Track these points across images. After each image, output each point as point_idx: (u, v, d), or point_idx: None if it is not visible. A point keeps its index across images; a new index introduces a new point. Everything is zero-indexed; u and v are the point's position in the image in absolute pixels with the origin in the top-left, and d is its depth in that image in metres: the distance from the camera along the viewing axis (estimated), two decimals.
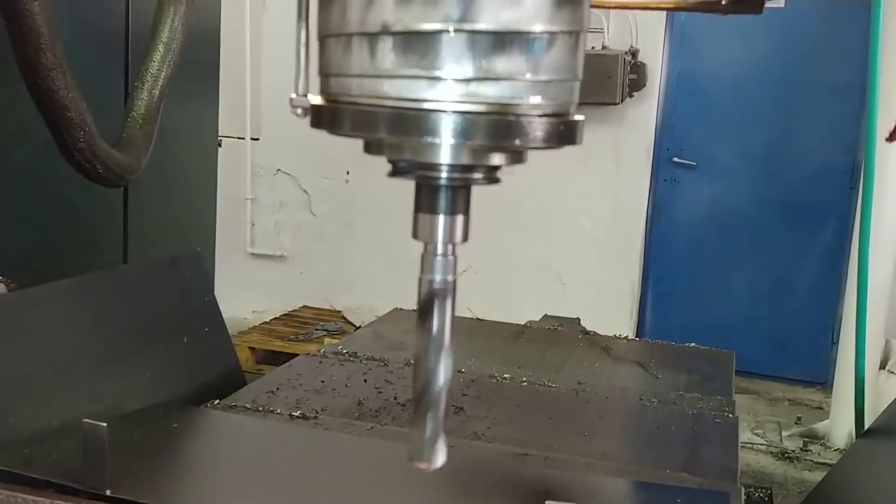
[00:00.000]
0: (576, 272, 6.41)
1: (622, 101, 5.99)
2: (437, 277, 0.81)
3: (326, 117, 0.76)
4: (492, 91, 0.73)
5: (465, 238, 0.82)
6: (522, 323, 3.61)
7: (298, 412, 2.26)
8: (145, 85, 2.76)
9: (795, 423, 5.46)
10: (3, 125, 2.87)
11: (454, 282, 0.82)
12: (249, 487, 1.71)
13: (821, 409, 5.70)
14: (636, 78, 6.05)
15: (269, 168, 6.93)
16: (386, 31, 0.71)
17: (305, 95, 0.80)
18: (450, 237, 0.82)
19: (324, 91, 0.77)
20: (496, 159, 0.78)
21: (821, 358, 6.12)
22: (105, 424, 1.50)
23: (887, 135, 2.27)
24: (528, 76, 0.74)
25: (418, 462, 0.83)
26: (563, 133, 0.78)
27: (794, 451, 4.98)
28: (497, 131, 0.74)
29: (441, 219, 0.81)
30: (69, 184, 2.71)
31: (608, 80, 5.87)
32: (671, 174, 6.40)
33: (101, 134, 2.56)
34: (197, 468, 1.88)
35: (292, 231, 7.06)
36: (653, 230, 6.47)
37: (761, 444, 5.07)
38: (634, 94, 6.11)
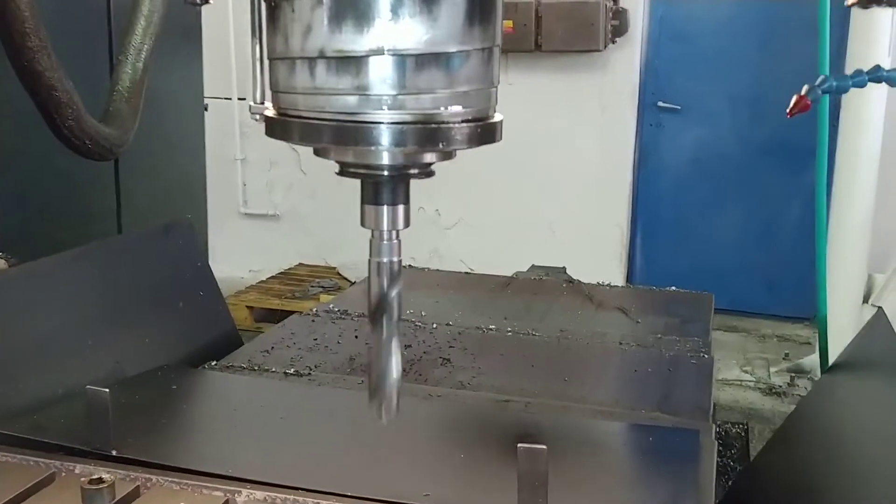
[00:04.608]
0: (565, 220, 6.51)
1: (605, 47, 6.04)
2: (384, 259, 0.94)
3: (278, 128, 0.89)
4: (417, 104, 0.84)
5: (407, 224, 0.93)
6: (512, 273, 3.71)
7: (293, 370, 2.37)
8: (129, 58, 2.82)
9: (783, 358, 5.60)
10: None
11: (399, 262, 0.95)
12: (247, 443, 1.82)
13: (808, 344, 5.82)
14: (618, 24, 6.09)
15: (258, 127, 6.92)
16: (322, 55, 0.82)
17: (262, 103, 0.91)
18: (393, 224, 0.93)
19: (275, 104, 0.88)
20: (427, 158, 0.89)
21: (808, 294, 6.21)
22: (107, 390, 1.60)
23: (787, 111, 2.33)
24: (447, 89, 0.85)
25: (377, 414, 0.98)
26: (483, 134, 0.90)
27: (780, 386, 5.12)
28: (424, 138, 0.86)
29: (385, 209, 0.94)
30: (61, 158, 2.79)
31: (590, 27, 5.92)
32: (656, 118, 6.46)
33: (88, 109, 2.63)
34: (197, 427, 1.99)
35: (284, 190, 7.13)
36: (640, 175, 6.56)
37: (749, 381, 5.21)
38: (617, 39, 6.16)
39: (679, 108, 6.39)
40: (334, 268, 6.99)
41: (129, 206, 3.58)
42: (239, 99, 6.86)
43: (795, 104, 2.32)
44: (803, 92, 2.32)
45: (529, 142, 6.42)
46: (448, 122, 0.87)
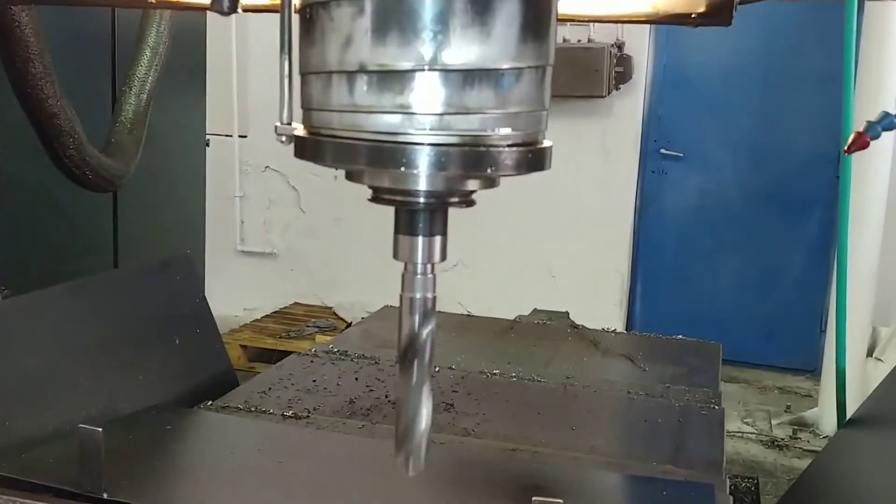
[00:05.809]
0: (566, 265, 6.45)
1: (609, 93, 6.02)
2: (418, 295, 0.86)
3: (309, 148, 0.81)
4: (464, 124, 0.77)
5: (444, 258, 0.86)
6: (513, 317, 3.64)
7: (290, 412, 2.29)
8: (133, 89, 2.79)
9: (785, 411, 5.51)
10: None
11: (434, 298, 0.87)
12: (243, 488, 1.74)
13: (810, 396, 5.75)
14: (622, 70, 6.08)
15: (258, 165, 6.94)
16: (363, 69, 0.75)
17: (290, 124, 0.84)
18: (428, 257, 0.86)
19: (306, 123, 0.81)
20: (470, 185, 0.82)
21: (810, 346, 6.17)
22: (101, 430, 1.53)
23: (846, 148, 2.25)
24: (497, 109, 0.78)
25: (403, 467, 0.90)
26: (532, 161, 0.83)
27: (783, 439, 5.03)
28: (469, 162, 0.79)
29: (420, 240, 0.85)
30: (59, 189, 2.74)
31: (595, 73, 5.90)
32: (658, 166, 6.44)
33: (90, 139, 2.59)
34: (191, 470, 1.91)
35: (282, 228, 7.07)
36: (641, 222, 6.51)
37: (751, 433, 5.12)
38: (621, 86, 6.14)
39: (682, 155, 6.37)
40: (330, 307, 6.91)
41: (127, 241, 3.52)
42: (240, 136, 6.83)
43: (853, 142, 2.20)
44: (862, 129, 2.21)
45: (530, 185, 6.36)
46: (496, 146, 0.79)
